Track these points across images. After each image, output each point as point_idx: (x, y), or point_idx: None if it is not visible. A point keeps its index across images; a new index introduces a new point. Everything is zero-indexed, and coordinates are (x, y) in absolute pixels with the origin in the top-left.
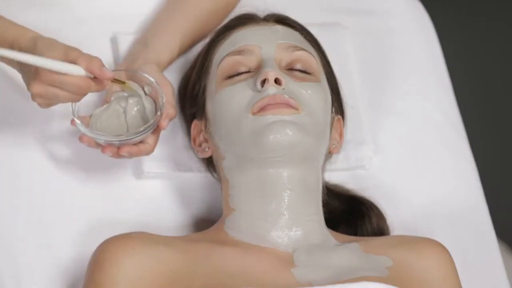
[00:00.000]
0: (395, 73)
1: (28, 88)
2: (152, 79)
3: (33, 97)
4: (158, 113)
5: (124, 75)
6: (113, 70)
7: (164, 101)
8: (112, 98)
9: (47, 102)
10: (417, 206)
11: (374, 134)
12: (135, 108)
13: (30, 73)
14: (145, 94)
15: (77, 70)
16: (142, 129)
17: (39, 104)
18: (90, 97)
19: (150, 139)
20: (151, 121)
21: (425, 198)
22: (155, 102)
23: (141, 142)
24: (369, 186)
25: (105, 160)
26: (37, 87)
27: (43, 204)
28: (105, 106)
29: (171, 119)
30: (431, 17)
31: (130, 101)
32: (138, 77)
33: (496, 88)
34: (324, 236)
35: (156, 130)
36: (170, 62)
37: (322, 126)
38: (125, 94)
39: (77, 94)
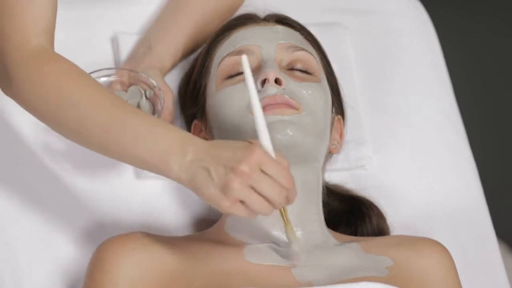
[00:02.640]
0: (395, 73)
1: (232, 169)
2: (154, 83)
3: (234, 185)
4: (155, 116)
5: (127, 76)
6: (117, 70)
7: (162, 106)
8: None
9: (251, 197)
10: (417, 206)
11: (374, 134)
12: None
13: (232, 149)
14: (146, 97)
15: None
16: None
17: (232, 207)
18: None
19: None
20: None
21: (425, 198)
22: (153, 106)
23: None
24: (369, 186)
25: (105, 160)
26: (246, 167)
27: (43, 204)
28: None
29: None
30: (431, 17)
31: (129, 102)
32: (141, 79)
33: (496, 88)
34: (324, 236)
35: None
36: (172, 67)
37: (323, 126)
38: (125, 94)
39: (282, 191)
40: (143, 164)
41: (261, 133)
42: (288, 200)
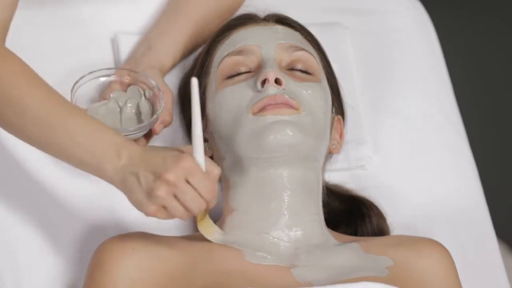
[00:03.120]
0: (395, 73)
1: (160, 177)
2: (154, 84)
3: (159, 192)
4: (154, 116)
5: (127, 76)
6: (116, 70)
7: (162, 106)
8: (111, 96)
9: (172, 204)
10: (417, 206)
11: (374, 134)
12: (133, 110)
13: (163, 157)
14: (145, 97)
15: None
16: (133, 128)
17: (154, 213)
18: (89, 93)
19: (141, 142)
20: (145, 123)
21: (425, 198)
22: (153, 106)
23: None
24: (369, 186)
25: None
26: (173, 177)
27: (43, 204)
28: (103, 102)
29: (165, 126)
30: (431, 17)
31: (128, 102)
32: (141, 79)
33: (496, 88)
34: (324, 236)
35: (149, 134)
36: (172, 67)
37: (322, 126)
38: (125, 94)
39: (202, 203)
40: (80, 164)
41: (196, 142)
42: (208, 207)
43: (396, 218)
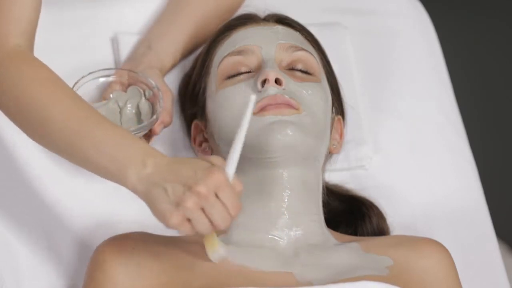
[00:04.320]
0: (395, 73)
1: (190, 188)
2: (154, 84)
3: (188, 204)
4: (154, 117)
5: (126, 76)
6: (116, 70)
7: (161, 107)
8: (111, 96)
9: (198, 217)
10: (417, 206)
11: (374, 134)
12: (133, 110)
13: (193, 168)
14: (145, 97)
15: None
16: (133, 129)
17: (179, 225)
18: (89, 93)
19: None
20: (145, 123)
21: (425, 198)
22: (153, 106)
23: None
24: (369, 186)
25: None
26: (204, 189)
27: (43, 204)
28: (103, 102)
29: (165, 126)
30: (431, 17)
31: (128, 102)
32: (140, 79)
33: (496, 88)
34: (324, 236)
35: (148, 135)
36: (172, 67)
37: (323, 126)
38: (124, 95)
39: (227, 218)
40: (104, 172)
41: (232, 156)
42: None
43: (396, 218)
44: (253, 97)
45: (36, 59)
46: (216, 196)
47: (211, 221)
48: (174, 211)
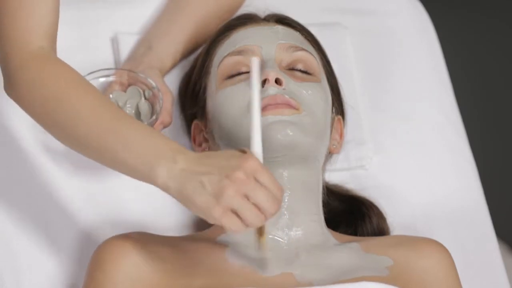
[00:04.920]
0: (395, 73)
1: (228, 176)
2: (154, 84)
3: (229, 191)
4: (154, 117)
5: (126, 76)
6: (116, 70)
7: (161, 107)
8: (110, 96)
9: (244, 205)
10: (417, 206)
11: (374, 134)
12: (132, 111)
13: (226, 157)
14: (145, 97)
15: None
16: None
17: (223, 217)
18: None
19: None
20: (144, 123)
21: (425, 198)
22: (152, 107)
23: None
24: (369, 186)
25: None
26: (242, 174)
27: (43, 204)
28: None
29: (165, 127)
30: (431, 17)
31: (128, 102)
32: (140, 79)
33: (496, 88)
34: (324, 236)
35: None
36: (172, 67)
37: (323, 126)
38: (124, 95)
39: (275, 202)
40: (132, 171)
41: (254, 141)
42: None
43: (396, 218)
44: (254, 59)
45: (59, 60)
46: (257, 180)
47: (258, 207)
48: (215, 203)
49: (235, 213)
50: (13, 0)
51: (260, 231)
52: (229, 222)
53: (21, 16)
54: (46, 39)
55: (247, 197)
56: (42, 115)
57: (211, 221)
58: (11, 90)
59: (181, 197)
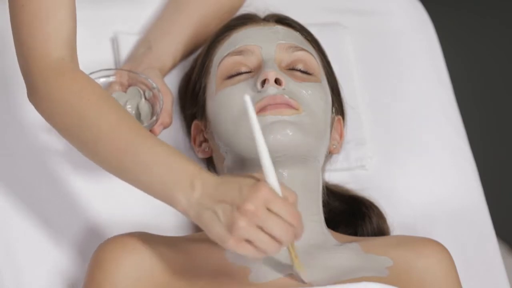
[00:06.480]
0: (395, 73)
1: (238, 208)
2: (154, 85)
3: (240, 224)
4: (154, 118)
5: (126, 77)
6: (116, 70)
7: (161, 107)
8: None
9: (257, 236)
10: (417, 206)
11: (374, 134)
12: (132, 111)
13: (238, 187)
14: (145, 98)
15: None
16: None
17: (238, 247)
18: None
19: None
20: (144, 124)
21: (425, 198)
22: (152, 107)
23: None
24: (369, 186)
25: None
26: (252, 206)
27: (43, 204)
28: None
29: (165, 127)
30: (431, 17)
31: (128, 103)
32: (140, 80)
33: (496, 88)
34: (324, 236)
35: None
36: (172, 67)
37: (323, 126)
38: (124, 95)
39: (289, 230)
40: (152, 193)
41: (267, 169)
42: (296, 237)
43: (396, 218)
44: (247, 97)
45: (80, 73)
46: (269, 210)
47: (273, 237)
48: (229, 235)
49: (250, 242)
50: (30, 8)
51: (290, 253)
52: (245, 252)
53: (38, 24)
54: (65, 48)
55: (260, 227)
56: (62, 130)
57: (229, 250)
58: (33, 100)
59: (200, 224)
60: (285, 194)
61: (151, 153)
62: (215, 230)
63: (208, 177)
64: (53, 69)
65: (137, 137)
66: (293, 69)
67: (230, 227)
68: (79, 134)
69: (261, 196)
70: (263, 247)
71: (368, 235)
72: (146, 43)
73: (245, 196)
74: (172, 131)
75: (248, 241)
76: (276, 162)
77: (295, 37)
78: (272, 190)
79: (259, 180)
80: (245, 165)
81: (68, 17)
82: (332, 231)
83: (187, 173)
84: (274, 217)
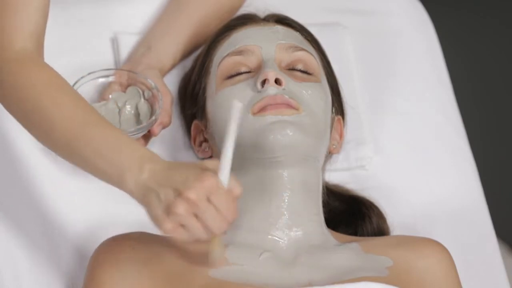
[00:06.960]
0: (395, 73)
1: (180, 194)
2: (153, 85)
3: (178, 210)
4: (153, 117)
5: (126, 77)
6: (115, 70)
7: (161, 107)
8: (110, 96)
9: (191, 223)
10: (417, 206)
11: (374, 134)
12: (132, 111)
13: (186, 174)
14: (144, 98)
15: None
16: (132, 129)
17: (172, 231)
18: (88, 93)
19: (140, 143)
20: (143, 124)
21: (425, 198)
22: (151, 107)
23: None
24: (369, 186)
25: None
26: (194, 195)
27: (43, 204)
28: (102, 103)
29: (164, 127)
30: (431, 17)
31: (127, 103)
32: (140, 80)
33: (496, 88)
34: (324, 236)
35: (147, 135)
36: (172, 67)
37: (322, 126)
38: (124, 95)
39: (222, 223)
40: (103, 176)
41: (224, 159)
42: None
43: (396, 218)
44: (236, 104)
45: (41, 62)
46: (209, 201)
47: (205, 226)
48: (166, 218)
49: (183, 226)
50: (1, 1)
51: (212, 243)
52: (177, 235)
53: (6, 14)
54: (30, 39)
55: (196, 216)
56: (20, 118)
57: (162, 232)
58: None
59: (143, 205)
60: (231, 187)
61: (102, 137)
62: (154, 212)
63: (159, 162)
64: (15, 57)
65: (90, 122)
66: (293, 69)
67: (168, 211)
68: (34, 122)
69: (204, 185)
70: (194, 233)
71: (368, 235)
72: (145, 43)
73: (189, 184)
74: (172, 131)
75: (182, 226)
76: (276, 162)
77: (295, 37)
78: (217, 181)
79: (207, 169)
80: (244, 165)
81: (38, 11)
82: (332, 231)
83: (137, 156)
84: (211, 209)
